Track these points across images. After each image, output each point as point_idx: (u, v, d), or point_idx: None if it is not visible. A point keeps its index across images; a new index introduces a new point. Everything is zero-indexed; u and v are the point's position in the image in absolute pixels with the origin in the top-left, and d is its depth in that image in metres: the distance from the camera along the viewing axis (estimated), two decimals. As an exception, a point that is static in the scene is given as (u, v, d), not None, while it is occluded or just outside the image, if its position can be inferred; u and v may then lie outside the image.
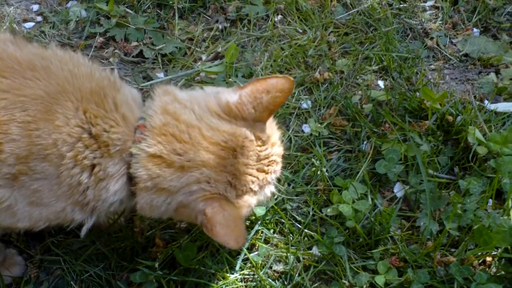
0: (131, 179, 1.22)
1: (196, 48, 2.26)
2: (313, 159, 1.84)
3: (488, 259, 1.58)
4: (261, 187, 1.32)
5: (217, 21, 2.40)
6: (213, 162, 1.22)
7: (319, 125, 1.94)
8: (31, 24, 2.40)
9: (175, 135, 1.21)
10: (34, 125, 1.11)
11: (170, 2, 2.42)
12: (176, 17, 2.38)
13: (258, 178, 1.30)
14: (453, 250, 1.61)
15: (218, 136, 1.23)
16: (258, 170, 1.30)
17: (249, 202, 1.29)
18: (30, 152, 1.10)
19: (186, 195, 1.22)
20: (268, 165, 1.32)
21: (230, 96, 1.28)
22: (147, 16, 2.39)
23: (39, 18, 2.44)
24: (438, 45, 2.32)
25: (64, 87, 1.17)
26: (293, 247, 1.63)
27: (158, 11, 2.43)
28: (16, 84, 1.13)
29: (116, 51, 2.25)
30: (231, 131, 1.25)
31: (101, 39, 2.29)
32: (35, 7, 2.50)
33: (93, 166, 1.18)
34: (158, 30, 2.32)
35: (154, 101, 1.27)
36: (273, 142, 1.35)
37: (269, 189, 1.36)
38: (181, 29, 2.35)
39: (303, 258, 1.61)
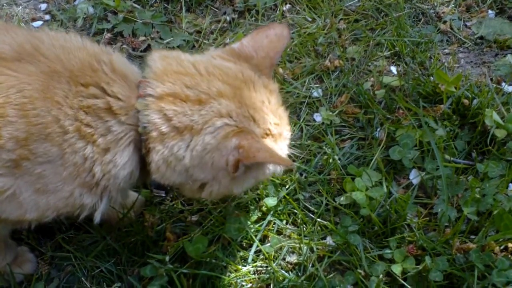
0: (139, 144, 1.17)
1: (204, 41, 2.23)
2: (325, 148, 1.80)
3: (510, 245, 1.52)
4: (279, 135, 1.25)
5: (225, 13, 2.37)
6: (229, 92, 1.17)
7: (331, 113, 1.90)
8: (39, 23, 2.39)
9: (180, 72, 1.17)
10: (30, 105, 1.07)
11: (177, -5, 2.40)
12: (184, 10, 2.35)
13: (275, 123, 1.24)
14: (472, 236, 1.56)
15: (226, 70, 1.21)
16: (273, 113, 1.25)
17: (272, 146, 1.21)
18: (29, 133, 1.07)
19: (212, 134, 1.14)
20: (280, 118, 1.27)
21: (232, 44, 1.30)
22: (154, 10, 2.37)
23: (47, 17, 2.43)
24: (451, 28, 2.26)
25: (57, 62, 1.14)
26: (306, 238, 1.59)
27: (165, 5, 2.41)
28: (8, 65, 1.10)
29: (124, 46, 2.23)
30: (239, 68, 1.23)
31: (109, 35, 2.27)
32: (43, 6, 2.49)
33: (94, 135, 1.13)
34: (165, 24, 2.30)
35: (151, 57, 1.24)
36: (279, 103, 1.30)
37: (286, 145, 1.29)
38: (188, 22, 2.33)
39: (317, 249, 1.57)
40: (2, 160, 1.07)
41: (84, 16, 2.36)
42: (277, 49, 1.31)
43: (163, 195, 1.31)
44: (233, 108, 1.17)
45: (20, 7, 2.48)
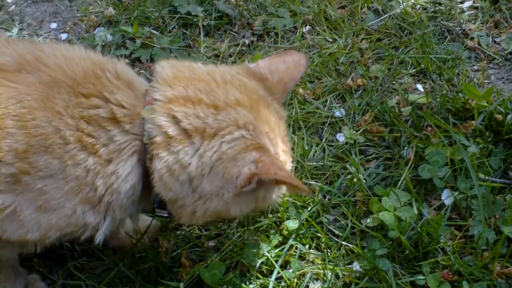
0: (144, 156, 1.09)
1: (223, 64, 2.19)
2: (349, 168, 1.70)
3: (556, 268, 1.38)
4: (285, 163, 1.18)
5: (243, 37, 2.33)
6: (247, 104, 1.11)
7: (354, 132, 1.81)
8: (59, 52, 2.39)
9: (193, 78, 1.11)
10: (30, 115, 1.02)
11: (195, 20, 2.37)
12: (202, 35, 2.32)
13: (283, 150, 1.17)
14: (514, 260, 1.43)
15: (244, 82, 1.15)
16: (282, 140, 1.18)
17: None
18: (29, 145, 1.01)
19: (229, 144, 1.07)
20: (287, 146, 1.21)
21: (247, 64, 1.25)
22: (173, 35, 2.35)
23: (67, 46, 2.43)
24: (479, 45, 2.17)
25: (58, 71, 1.09)
26: (331, 263, 1.48)
27: (184, 30, 2.39)
28: (8, 76, 1.06)
29: (142, 71, 2.20)
30: (255, 85, 1.17)
31: (127, 60, 2.25)
32: (64, 36, 2.50)
33: (95, 145, 1.06)
34: (183, 49, 2.27)
35: (159, 65, 1.18)
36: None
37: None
38: (207, 46, 2.29)
39: (343, 275, 1.45)
40: (2, 174, 1.01)
41: (103, 44, 2.35)
42: (292, 76, 1.27)
43: (166, 215, 1.22)
44: (251, 120, 1.11)
45: (41, 37, 2.50)
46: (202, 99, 1.09)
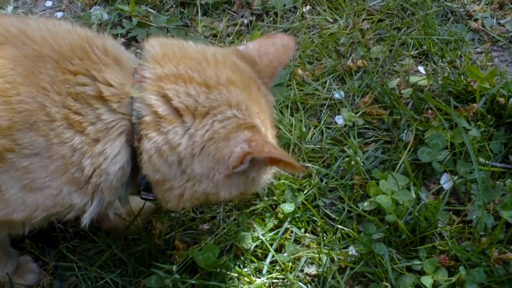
0: (132, 136, 1.07)
1: (220, 44, 2.14)
2: (347, 151, 1.67)
3: (555, 255, 1.36)
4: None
5: (242, 16, 2.28)
6: (240, 83, 1.10)
7: (354, 114, 1.77)
8: (54, 30, 2.34)
9: (184, 56, 1.09)
10: (13, 91, 0.98)
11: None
12: (199, 14, 2.28)
13: (271, 133, 1.16)
14: (512, 246, 1.40)
15: (236, 62, 1.14)
16: (270, 123, 1.16)
17: None
18: (12, 121, 0.98)
19: (221, 123, 1.04)
20: (274, 130, 1.19)
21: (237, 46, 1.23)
22: (170, 14, 2.30)
23: (62, 25, 2.39)
24: (483, 26, 2.12)
25: (44, 45, 1.05)
26: (326, 247, 1.45)
27: (181, 9, 2.34)
28: None
29: (138, 51, 2.15)
30: (245, 67, 1.16)
31: (123, 40, 2.21)
32: (59, 14, 2.46)
33: (82, 123, 1.02)
34: (181, 28, 2.23)
35: (148, 43, 1.15)
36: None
37: None
38: (205, 26, 2.25)
39: (338, 259, 1.43)
40: None
41: (99, 22, 2.31)
42: (281, 59, 1.25)
43: (152, 198, 1.19)
44: (243, 99, 1.09)
45: (36, 15, 2.45)
46: (193, 77, 1.06)
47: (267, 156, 1.05)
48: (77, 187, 1.06)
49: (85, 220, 1.13)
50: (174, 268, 1.38)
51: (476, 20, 2.14)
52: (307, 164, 1.64)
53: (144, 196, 1.21)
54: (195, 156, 1.05)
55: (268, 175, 1.20)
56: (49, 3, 2.53)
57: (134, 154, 1.09)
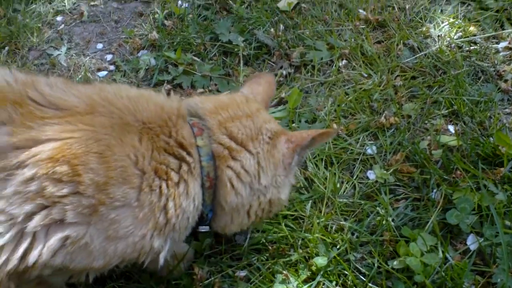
0: (202, 180, 1.29)
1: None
2: (378, 208, 1.77)
3: None
4: None
5: (281, 67, 2.41)
6: (262, 108, 1.47)
7: (385, 171, 1.87)
8: (104, 73, 2.51)
9: (225, 104, 1.40)
10: (109, 151, 1.13)
11: (236, 49, 2.46)
12: (241, 64, 2.42)
13: None
14: (535, 311, 1.47)
15: (249, 100, 1.47)
16: None
17: None
18: (108, 177, 1.12)
19: (265, 135, 1.37)
20: None
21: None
22: (213, 63, 2.44)
23: (111, 67, 2.55)
24: (513, 87, 2.21)
25: (127, 111, 1.23)
26: (356, 301, 1.54)
27: (224, 58, 2.48)
28: (84, 118, 1.17)
29: (183, 97, 2.29)
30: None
31: (169, 86, 2.35)
32: (109, 57, 2.63)
33: (167, 171, 1.21)
34: (223, 77, 2.36)
35: (194, 101, 1.43)
36: None
37: None
38: (246, 75, 2.38)
39: (368, 314, 1.52)
40: (81, 206, 1.10)
41: (146, 68, 2.46)
42: (269, 94, 1.58)
43: (207, 229, 1.38)
44: (269, 117, 1.46)
45: (88, 57, 2.62)
46: (240, 115, 1.38)
47: (309, 139, 1.37)
48: (158, 231, 1.21)
49: (161, 259, 1.28)
50: (214, 314, 1.49)
51: (506, 81, 2.23)
52: (341, 222, 1.74)
53: (200, 229, 1.41)
54: (262, 171, 1.35)
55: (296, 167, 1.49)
56: (100, 46, 2.71)
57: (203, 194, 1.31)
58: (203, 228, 1.40)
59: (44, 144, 1.11)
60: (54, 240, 1.11)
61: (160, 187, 1.19)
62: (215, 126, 1.34)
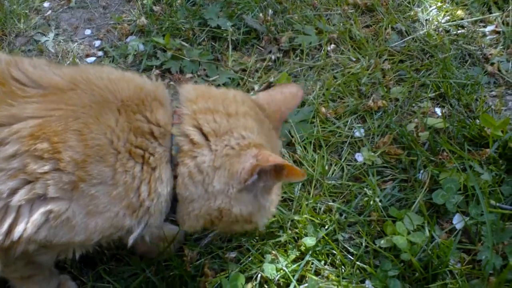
0: (172, 166, 1.25)
1: (249, 79, 2.28)
2: (366, 189, 1.79)
3: (560, 297, 1.46)
4: None
5: (270, 52, 2.42)
6: (254, 116, 1.31)
7: (373, 153, 1.89)
8: (92, 58, 2.50)
9: (211, 96, 1.31)
10: (87, 129, 1.15)
11: (224, 34, 2.47)
12: (230, 49, 2.42)
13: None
14: (519, 287, 1.50)
15: (251, 103, 1.36)
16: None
17: None
18: (86, 155, 1.13)
19: (236, 140, 1.24)
20: None
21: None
22: (202, 48, 2.44)
23: (100, 53, 2.55)
24: (499, 70, 2.23)
25: (107, 91, 1.22)
26: (345, 280, 1.57)
27: (213, 43, 2.48)
28: (65, 96, 1.18)
29: (172, 83, 2.30)
30: (258, 109, 1.36)
31: (157, 71, 2.35)
32: (97, 43, 2.62)
33: (144, 155, 1.20)
34: (212, 62, 2.37)
35: (182, 88, 1.37)
36: None
37: None
38: (234, 60, 2.38)
39: (356, 292, 1.54)
40: (62, 182, 1.12)
41: (135, 53, 2.46)
42: (289, 105, 1.45)
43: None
44: (256, 127, 1.29)
45: (76, 43, 2.61)
46: (219, 109, 1.28)
47: (273, 164, 1.21)
48: (130, 211, 1.21)
49: (131, 240, 1.27)
50: (204, 294, 1.51)
51: (492, 64, 2.25)
52: (330, 202, 1.76)
53: (171, 217, 1.38)
54: (215, 172, 1.23)
55: (278, 191, 1.39)
56: (88, 32, 2.70)
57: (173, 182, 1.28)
58: (173, 216, 1.36)
59: (25, 121, 1.13)
60: (38, 214, 1.14)
61: (134, 168, 1.19)
62: (189, 116, 1.27)
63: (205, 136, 1.24)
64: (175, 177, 1.25)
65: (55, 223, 1.15)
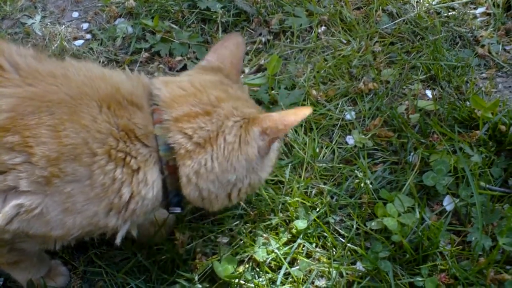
0: (160, 166, 1.24)
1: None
2: (356, 171, 1.79)
3: (547, 277, 1.47)
4: None
5: (260, 34, 2.40)
6: (223, 95, 1.31)
7: (364, 136, 1.89)
8: (80, 41, 2.47)
9: (184, 95, 1.29)
10: (61, 126, 1.12)
11: (214, 16, 2.44)
12: (220, 31, 2.39)
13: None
14: (508, 267, 1.52)
15: (211, 79, 1.37)
16: (253, 104, 1.42)
17: None
18: (60, 153, 1.11)
19: (230, 134, 1.26)
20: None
21: (200, 62, 1.50)
22: (191, 31, 2.41)
23: (88, 36, 2.51)
24: (490, 52, 2.23)
25: (83, 89, 1.20)
26: (336, 262, 1.58)
27: (202, 25, 2.46)
28: (40, 91, 1.16)
29: (161, 65, 2.27)
30: (215, 77, 1.39)
31: (147, 54, 2.32)
32: (85, 26, 2.57)
33: (125, 158, 1.18)
34: (201, 44, 2.34)
35: (155, 86, 1.33)
36: None
37: None
38: (224, 42, 2.35)
39: (347, 274, 1.55)
40: (34, 175, 1.11)
41: (123, 36, 2.43)
42: (238, 56, 1.48)
43: (179, 211, 1.35)
44: (232, 105, 1.30)
45: (63, 26, 2.57)
46: (198, 112, 1.26)
47: (286, 130, 1.28)
48: (115, 211, 1.20)
49: (118, 238, 1.29)
50: (196, 277, 1.51)
51: (483, 46, 2.25)
52: (320, 185, 1.76)
53: (171, 211, 1.37)
54: (228, 170, 1.27)
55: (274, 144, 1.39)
56: (75, 14, 2.65)
57: (164, 181, 1.26)
58: (174, 210, 1.36)
59: None
60: (9, 207, 1.12)
61: (114, 171, 1.17)
62: (171, 123, 1.24)
63: (198, 144, 1.24)
64: (170, 175, 1.25)
65: (26, 216, 1.14)
